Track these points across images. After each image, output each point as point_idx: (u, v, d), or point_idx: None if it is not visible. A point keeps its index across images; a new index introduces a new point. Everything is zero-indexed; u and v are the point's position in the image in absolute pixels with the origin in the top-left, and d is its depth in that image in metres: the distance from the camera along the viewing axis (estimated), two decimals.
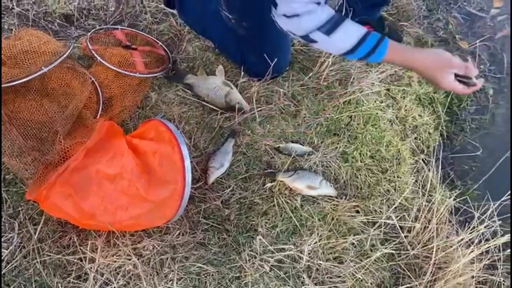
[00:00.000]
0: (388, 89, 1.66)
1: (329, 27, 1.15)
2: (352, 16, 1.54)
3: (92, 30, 1.59)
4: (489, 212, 1.23)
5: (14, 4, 1.61)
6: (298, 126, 1.52)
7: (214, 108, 1.52)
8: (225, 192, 1.38)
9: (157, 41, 1.64)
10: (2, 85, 1.23)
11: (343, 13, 1.47)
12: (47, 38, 1.40)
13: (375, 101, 1.60)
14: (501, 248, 1.27)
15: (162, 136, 1.21)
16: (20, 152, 1.25)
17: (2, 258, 1.19)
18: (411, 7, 1.96)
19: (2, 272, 1.17)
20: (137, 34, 1.64)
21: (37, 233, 1.24)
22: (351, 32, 1.18)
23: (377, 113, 1.57)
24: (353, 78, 1.61)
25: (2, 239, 1.22)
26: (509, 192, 1.20)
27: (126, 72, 1.45)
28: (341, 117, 1.54)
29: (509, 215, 1.25)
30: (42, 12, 1.65)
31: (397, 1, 1.91)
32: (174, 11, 1.70)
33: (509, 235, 1.16)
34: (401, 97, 1.67)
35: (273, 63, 1.48)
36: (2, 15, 1.57)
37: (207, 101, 1.53)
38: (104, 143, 1.17)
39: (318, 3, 1.13)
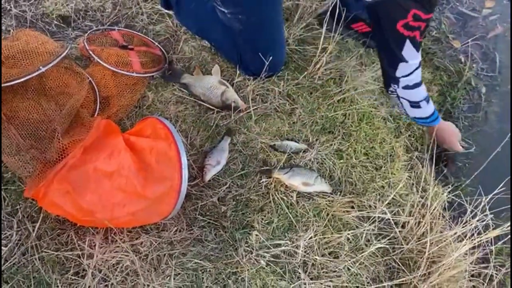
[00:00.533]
0: (382, 88, 1.68)
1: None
2: (346, 12, 1.56)
3: (89, 31, 1.60)
4: (481, 206, 1.25)
5: (12, 6, 1.62)
6: (293, 124, 1.54)
7: (210, 107, 1.54)
8: (221, 189, 1.39)
9: (154, 41, 1.66)
10: (1, 85, 1.25)
11: (337, 12, 1.49)
12: (44, 39, 1.42)
13: (369, 99, 1.62)
14: (493, 242, 1.30)
15: (158, 133, 1.23)
16: (18, 151, 1.26)
17: (1, 255, 1.20)
18: None
19: (1, 269, 1.19)
20: (134, 35, 1.66)
21: (35, 230, 1.25)
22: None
23: (371, 111, 1.60)
24: (348, 77, 1.63)
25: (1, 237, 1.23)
26: (501, 186, 1.23)
27: (123, 72, 1.47)
28: (336, 115, 1.56)
29: (501, 208, 1.27)
30: (40, 14, 1.67)
31: None
32: (171, 12, 1.72)
33: (501, 228, 1.18)
34: None
35: (269, 60, 1.50)
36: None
37: (203, 100, 1.55)
38: (102, 141, 1.19)
39: None
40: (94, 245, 1.24)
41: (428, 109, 1.53)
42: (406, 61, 1.40)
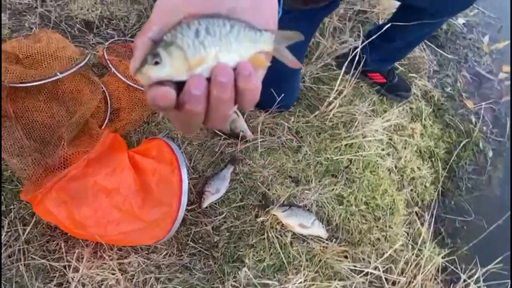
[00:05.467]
0: (390, 138, 1.69)
1: None
2: (363, 65, 1.57)
3: (111, 40, 1.62)
4: (475, 277, 1.24)
5: (38, 4, 1.64)
6: (298, 162, 1.54)
7: (218, 133, 1.54)
8: (217, 218, 1.38)
9: None
10: (16, 85, 1.25)
11: (356, 62, 1.50)
12: (65, 43, 1.42)
13: (376, 148, 1.62)
14: None
15: (164, 156, 1.22)
16: (21, 152, 1.25)
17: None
18: (423, 60, 2.00)
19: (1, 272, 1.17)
20: None
21: (25, 234, 1.23)
22: None
23: (377, 160, 1.59)
24: (358, 123, 1.63)
25: None
26: (498, 261, 1.21)
27: (138, 87, 1.47)
28: (341, 159, 1.56)
29: (496, 282, 1.26)
30: (64, 16, 1.68)
31: (410, 52, 1.95)
32: None
33: None
34: (402, 147, 1.70)
35: (280, 98, 1.51)
36: (24, 14, 1.60)
37: None
38: (106, 155, 1.18)
39: None
40: (82, 257, 1.22)
41: None
42: None
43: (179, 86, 0.41)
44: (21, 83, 1.27)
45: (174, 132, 1.52)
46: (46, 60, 1.35)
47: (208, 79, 0.40)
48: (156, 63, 0.40)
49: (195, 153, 1.49)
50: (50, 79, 1.26)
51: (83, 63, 1.34)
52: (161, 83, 0.40)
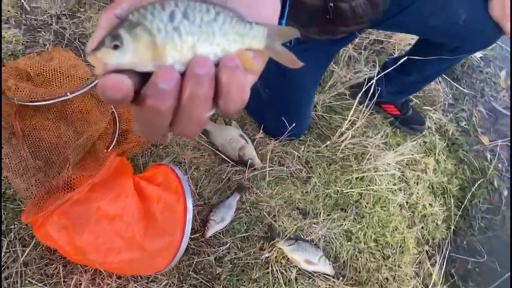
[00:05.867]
0: (402, 172, 1.64)
1: None
2: (378, 96, 1.54)
3: None
4: None
5: (53, 22, 1.64)
6: (306, 193, 1.50)
7: (226, 159, 1.51)
8: (220, 249, 1.34)
9: None
10: (25, 103, 1.23)
11: (370, 94, 1.47)
12: (77, 62, 1.42)
13: (388, 183, 1.57)
14: None
15: (169, 183, 1.19)
16: (26, 171, 1.23)
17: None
18: (438, 93, 1.97)
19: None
20: None
21: (24, 255, 1.20)
22: None
23: (388, 195, 1.55)
24: (370, 155, 1.59)
25: None
26: None
27: None
28: (352, 192, 1.52)
29: None
30: (78, 33, 1.68)
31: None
32: None
33: None
34: (414, 182, 1.65)
35: (291, 127, 1.48)
36: (39, 30, 1.60)
37: (220, 151, 1.52)
38: (111, 180, 1.16)
39: None
40: (80, 284, 1.18)
41: None
42: None
43: (146, 79, 0.33)
44: (31, 101, 1.26)
45: (182, 157, 1.49)
46: (57, 78, 1.34)
47: (182, 74, 0.33)
48: (116, 46, 0.32)
49: (201, 178, 1.46)
50: (60, 99, 1.24)
51: (93, 83, 1.33)
52: (119, 72, 0.32)
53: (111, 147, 1.38)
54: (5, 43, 1.51)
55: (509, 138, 1.91)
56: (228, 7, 0.35)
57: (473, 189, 1.69)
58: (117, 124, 1.42)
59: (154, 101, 0.31)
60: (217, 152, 1.52)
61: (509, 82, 2.18)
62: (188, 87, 0.32)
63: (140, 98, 0.32)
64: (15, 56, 1.49)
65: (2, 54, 1.47)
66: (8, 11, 1.60)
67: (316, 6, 1.13)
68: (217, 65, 0.33)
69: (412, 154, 1.68)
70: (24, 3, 1.63)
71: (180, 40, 0.33)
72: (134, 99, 0.33)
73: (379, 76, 1.53)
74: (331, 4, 1.12)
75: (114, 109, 1.43)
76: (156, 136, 0.35)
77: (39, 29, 1.61)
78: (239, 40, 0.35)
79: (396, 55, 1.96)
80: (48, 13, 1.65)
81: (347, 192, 1.51)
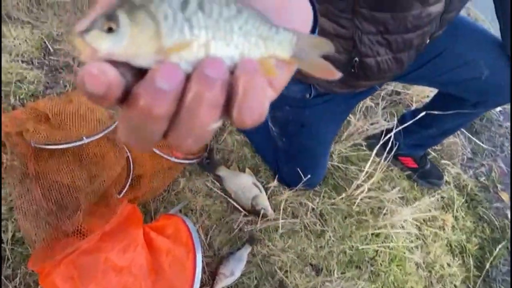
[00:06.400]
0: (419, 229, 1.59)
1: None
2: (396, 150, 1.52)
3: None
4: None
5: (75, 63, 1.66)
6: (320, 248, 1.45)
7: (239, 207, 1.48)
8: None
9: None
10: (41, 146, 1.23)
11: (389, 147, 1.44)
12: (94, 105, 1.43)
13: (404, 240, 1.52)
14: None
15: (180, 236, 1.16)
16: (36, 214, 1.22)
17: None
18: (456, 146, 1.93)
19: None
20: None
21: None
22: None
23: (404, 253, 1.49)
24: (387, 210, 1.55)
25: None
26: None
27: (163, 154, 1.44)
28: (367, 249, 1.46)
29: None
30: None
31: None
32: None
33: None
34: (432, 240, 1.59)
35: (307, 178, 1.45)
36: (61, 72, 1.63)
37: (233, 198, 1.50)
38: (121, 230, 1.13)
39: None
40: None
41: None
42: None
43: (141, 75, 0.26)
44: (46, 144, 1.26)
45: (193, 204, 1.46)
46: (75, 121, 1.34)
47: (188, 77, 0.26)
48: (110, 30, 0.26)
49: (212, 227, 1.43)
50: (76, 144, 1.24)
51: (110, 128, 1.33)
52: (110, 62, 0.26)
53: (123, 193, 1.36)
54: (26, 84, 1.53)
55: None
56: (254, 7, 0.29)
57: (495, 252, 1.61)
58: (131, 169, 1.41)
59: (148, 102, 0.25)
60: (230, 200, 1.50)
61: None
62: (193, 88, 0.26)
63: (132, 95, 0.26)
64: (35, 97, 1.51)
65: (23, 94, 1.49)
66: (32, 52, 1.63)
67: (340, 60, 1.13)
68: (232, 73, 0.27)
69: (430, 210, 1.63)
70: (48, 45, 1.67)
71: (191, 34, 0.27)
72: (124, 100, 0.26)
73: (397, 129, 1.51)
74: (356, 59, 1.11)
75: (129, 153, 1.42)
76: (144, 144, 0.28)
77: (61, 71, 1.64)
78: (261, 45, 0.29)
79: (414, 107, 1.95)
80: (71, 54, 1.68)
81: (363, 249, 1.46)
